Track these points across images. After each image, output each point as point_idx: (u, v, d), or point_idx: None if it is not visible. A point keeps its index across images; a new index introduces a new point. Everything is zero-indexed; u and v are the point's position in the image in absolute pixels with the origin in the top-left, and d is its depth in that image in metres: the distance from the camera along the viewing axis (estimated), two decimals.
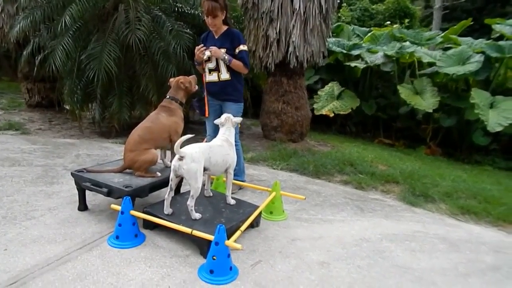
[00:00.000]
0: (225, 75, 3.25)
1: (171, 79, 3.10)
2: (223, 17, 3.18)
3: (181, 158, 2.31)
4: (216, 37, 3.26)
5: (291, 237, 2.64)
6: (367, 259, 2.39)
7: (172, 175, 2.42)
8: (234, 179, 3.35)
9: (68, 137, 5.53)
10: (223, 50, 3.16)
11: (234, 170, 3.41)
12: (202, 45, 3.21)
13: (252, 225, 2.67)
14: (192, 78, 3.14)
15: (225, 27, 3.25)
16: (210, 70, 3.27)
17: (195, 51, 3.19)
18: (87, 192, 2.83)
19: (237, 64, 3.20)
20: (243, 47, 3.24)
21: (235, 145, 3.36)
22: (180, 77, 3.08)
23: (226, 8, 3.17)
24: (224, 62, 3.18)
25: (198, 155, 2.35)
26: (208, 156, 2.44)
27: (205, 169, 2.44)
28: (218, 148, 2.56)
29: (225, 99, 3.33)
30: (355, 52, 7.56)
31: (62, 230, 2.52)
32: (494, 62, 6.66)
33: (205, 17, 3.15)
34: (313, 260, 2.33)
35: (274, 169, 4.44)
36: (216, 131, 2.89)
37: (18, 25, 5.05)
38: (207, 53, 3.16)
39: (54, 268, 2.07)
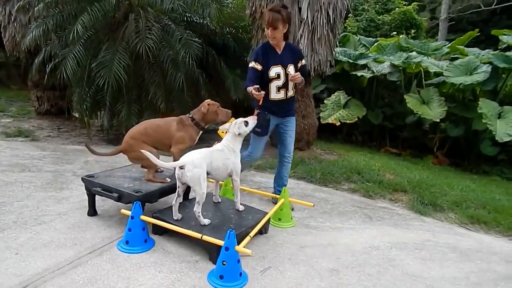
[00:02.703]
0: (291, 92, 3.17)
1: (208, 101, 3.02)
2: (285, 31, 3.03)
3: (182, 167, 2.34)
4: (280, 53, 3.10)
5: (300, 244, 2.63)
6: (377, 267, 2.38)
7: (178, 183, 2.45)
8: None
9: (76, 144, 5.58)
10: (291, 68, 3.07)
11: (281, 181, 3.42)
12: (263, 93, 2.89)
13: (261, 232, 2.67)
14: (226, 112, 3.00)
15: (284, 42, 3.12)
16: (279, 88, 3.10)
17: (256, 96, 2.87)
18: (96, 197, 2.86)
19: (304, 81, 3.16)
20: (304, 62, 3.21)
21: (287, 159, 3.33)
22: (210, 102, 2.98)
23: (288, 22, 3.02)
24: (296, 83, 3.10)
25: (200, 160, 2.38)
26: (210, 161, 2.46)
27: (207, 174, 2.46)
28: (218, 153, 2.57)
29: (287, 115, 3.26)
30: (361, 62, 7.59)
31: (72, 235, 2.53)
32: (501, 73, 6.66)
33: (266, 29, 3.03)
34: (323, 267, 2.32)
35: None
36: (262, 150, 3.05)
37: (31, 34, 5.15)
38: (277, 70, 3.04)
39: (65, 272, 2.08)
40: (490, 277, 2.39)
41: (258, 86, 2.87)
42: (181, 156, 2.51)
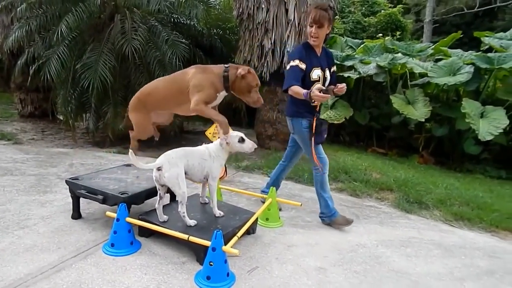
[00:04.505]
0: None
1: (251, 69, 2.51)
2: (328, 32, 2.88)
3: (159, 168, 2.32)
4: (319, 55, 2.94)
5: (287, 243, 2.64)
6: (363, 265, 2.40)
7: (157, 186, 2.43)
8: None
9: (61, 146, 5.49)
10: (328, 73, 2.96)
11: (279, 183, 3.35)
12: (327, 95, 2.68)
13: (248, 232, 2.66)
14: (258, 98, 2.51)
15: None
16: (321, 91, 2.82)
17: (320, 98, 2.60)
18: (81, 200, 2.81)
19: None
20: (335, 68, 3.09)
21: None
22: (253, 71, 2.47)
23: (332, 23, 2.89)
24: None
25: (175, 160, 2.36)
26: (186, 159, 2.42)
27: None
28: (196, 152, 2.51)
29: None
30: (348, 63, 7.66)
31: (56, 238, 2.48)
32: (483, 73, 6.80)
33: (309, 27, 2.83)
34: (310, 265, 2.33)
35: (269, 176, 4.41)
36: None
37: (13, 35, 5.07)
38: (318, 72, 2.87)
39: (48, 276, 2.04)
40: (473, 272, 2.43)
41: (323, 87, 2.65)
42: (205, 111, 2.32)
